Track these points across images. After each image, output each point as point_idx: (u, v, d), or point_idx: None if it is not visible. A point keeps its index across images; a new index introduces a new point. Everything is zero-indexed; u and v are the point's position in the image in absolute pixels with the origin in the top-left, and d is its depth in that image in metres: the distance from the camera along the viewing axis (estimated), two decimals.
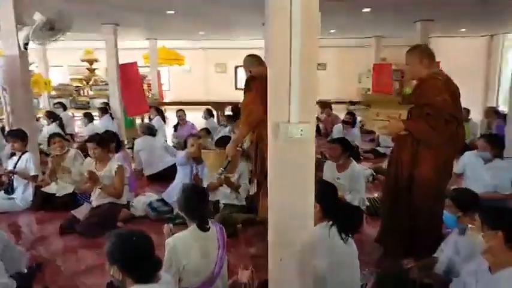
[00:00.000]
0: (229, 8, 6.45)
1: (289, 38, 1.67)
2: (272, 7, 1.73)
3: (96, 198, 4.01)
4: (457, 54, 10.00)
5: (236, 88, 16.53)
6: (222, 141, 4.22)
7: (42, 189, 4.59)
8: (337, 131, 6.76)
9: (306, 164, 1.75)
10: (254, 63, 3.43)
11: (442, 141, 2.95)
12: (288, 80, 1.68)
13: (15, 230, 4.03)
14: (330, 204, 2.29)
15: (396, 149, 3.20)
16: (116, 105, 8.13)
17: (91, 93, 11.21)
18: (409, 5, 6.32)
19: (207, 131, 6.14)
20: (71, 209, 4.23)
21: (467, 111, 7.15)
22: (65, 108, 8.90)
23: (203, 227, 2.34)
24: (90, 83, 11.22)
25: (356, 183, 4.05)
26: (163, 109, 10.04)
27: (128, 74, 8.31)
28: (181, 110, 7.13)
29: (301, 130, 1.68)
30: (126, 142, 8.37)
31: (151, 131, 5.63)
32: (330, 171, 4.22)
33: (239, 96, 15.75)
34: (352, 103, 9.27)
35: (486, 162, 4.02)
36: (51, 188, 4.59)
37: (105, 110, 7.92)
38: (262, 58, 3.71)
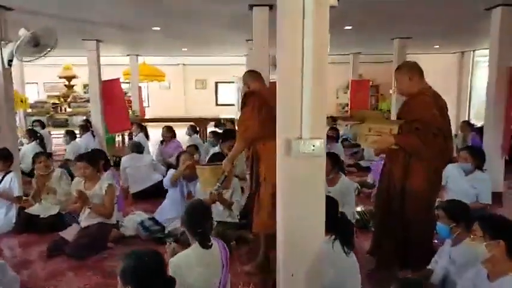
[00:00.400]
0: (213, 26, 6.53)
1: (301, 57, 1.72)
2: (283, 28, 1.79)
3: (86, 219, 3.91)
4: (431, 70, 10.40)
5: (217, 104, 16.58)
6: (216, 158, 4.23)
7: (26, 210, 4.42)
8: None
9: (317, 179, 1.79)
10: (252, 78, 3.43)
11: (432, 154, 3.06)
12: (300, 97, 1.72)
13: None
14: (333, 218, 2.32)
15: (388, 161, 3.29)
16: (98, 122, 7.99)
17: (69, 110, 10.98)
18: (388, 23, 6.57)
19: (195, 148, 6.11)
20: (57, 230, 4.11)
21: None
22: (43, 126, 8.67)
23: (205, 244, 2.33)
24: (69, 100, 11.01)
25: (347, 196, 4.13)
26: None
27: (111, 91, 8.24)
28: (167, 126, 7.07)
29: (313, 146, 1.73)
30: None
31: (138, 149, 5.56)
32: None
33: (220, 112, 15.89)
34: (333, 118, 9.48)
35: (467, 173, 4.19)
36: (35, 209, 4.43)
37: (86, 127, 7.76)
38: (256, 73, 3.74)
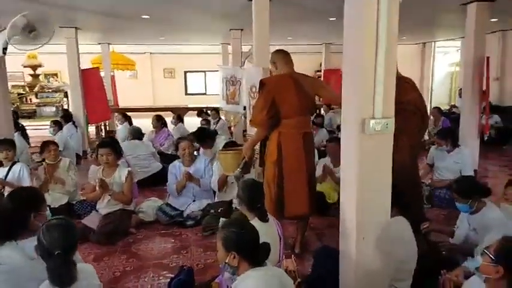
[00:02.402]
0: (203, 14, 6.58)
1: (375, 43, 1.95)
2: (357, 16, 1.99)
3: (106, 206, 3.94)
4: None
5: (186, 93, 16.45)
6: (231, 145, 4.37)
7: None
8: None
9: (386, 152, 2.07)
10: (284, 61, 3.34)
11: (412, 130, 3.40)
12: (373, 80, 1.97)
13: None
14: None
15: None
16: (78, 112, 7.78)
17: (36, 100, 10.51)
18: None
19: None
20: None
21: None
22: (17, 116, 8.27)
23: (264, 218, 2.53)
24: (35, 89, 10.52)
25: None
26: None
27: (90, 80, 8.03)
28: (157, 115, 7.06)
29: (387, 124, 1.99)
30: (88, 151, 8.06)
31: (139, 135, 5.54)
32: None
33: (190, 102, 15.83)
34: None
35: (449, 152, 4.75)
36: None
37: (68, 117, 7.53)
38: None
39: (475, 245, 2.88)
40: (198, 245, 3.72)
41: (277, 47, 4.15)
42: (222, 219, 3.95)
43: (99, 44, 10.65)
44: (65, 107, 11.35)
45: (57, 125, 6.72)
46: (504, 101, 9.34)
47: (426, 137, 7.31)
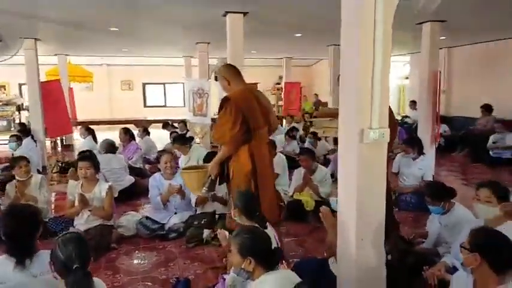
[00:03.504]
0: (174, 28, 6.62)
1: (372, 57, 2.14)
2: (355, 31, 2.17)
3: (86, 222, 3.84)
4: None
5: (145, 106, 16.15)
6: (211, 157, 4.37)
7: None
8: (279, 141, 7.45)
9: (381, 160, 2.25)
10: (234, 75, 3.29)
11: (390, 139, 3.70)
12: (370, 93, 2.15)
13: None
14: None
15: None
16: (38, 126, 7.43)
17: None
18: (328, 31, 7.32)
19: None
20: (42, 238, 3.93)
21: None
22: None
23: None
24: None
25: (323, 181, 4.77)
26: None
27: (50, 92, 7.71)
28: (124, 128, 6.91)
29: (383, 134, 2.18)
30: (48, 166, 7.70)
31: (113, 149, 5.42)
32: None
33: (149, 114, 15.65)
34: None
35: (414, 159, 5.14)
36: None
37: (25, 131, 7.16)
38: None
39: (444, 242, 3.18)
40: (184, 257, 3.72)
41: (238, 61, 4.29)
42: (206, 231, 4.03)
43: (56, 55, 10.26)
44: (17, 120, 10.79)
45: (19, 139, 6.38)
46: (450, 112, 10.16)
47: None
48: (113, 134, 8.07)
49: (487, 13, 5.72)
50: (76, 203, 3.78)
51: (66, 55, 10.47)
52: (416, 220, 4.56)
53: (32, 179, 4.30)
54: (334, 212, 2.91)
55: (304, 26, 6.51)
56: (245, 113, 3.12)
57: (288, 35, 7.21)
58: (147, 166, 7.22)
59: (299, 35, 7.30)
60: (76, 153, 9.81)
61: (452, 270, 2.76)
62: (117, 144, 6.88)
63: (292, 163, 5.48)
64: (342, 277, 2.43)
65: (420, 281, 2.85)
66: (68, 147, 10.52)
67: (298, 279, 2.04)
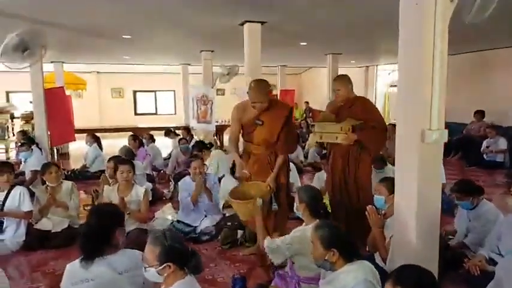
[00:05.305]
0: (183, 36, 6.73)
1: (432, 62, 2.34)
2: (415, 35, 2.38)
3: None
4: None
5: (136, 114, 16.04)
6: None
7: (35, 226, 4.11)
8: None
9: (438, 159, 2.47)
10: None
11: (380, 145, 3.90)
12: (430, 96, 2.36)
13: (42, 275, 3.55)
14: None
15: (339, 157, 3.88)
16: (42, 134, 7.32)
17: None
18: (329, 40, 7.61)
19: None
20: (70, 244, 3.99)
21: None
22: None
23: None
24: None
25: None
26: None
27: (55, 100, 7.63)
28: (133, 135, 6.93)
29: (441, 134, 2.39)
30: None
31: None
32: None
33: (139, 122, 15.58)
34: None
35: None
36: (45, 224, 4.14)
37: (31, 140, 7.07)
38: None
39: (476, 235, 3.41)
40: (222, 258, 3.81)
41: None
42: (239, 231, 4.14)
43: (52, 62, 10.15)
44: (10, 129, 10.56)
45: (29, 148, 6.31)
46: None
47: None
48: (104, 142, 8.14)
49: (477, 24, 6.08)
50: None
51: (62, 62, 10.36)
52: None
53: (63, 185, 4.31)
54: (378, 210, 3.11)
55: (311, 35, 6.76)
56: None
57: (295, 44, 7.45)
58: (154, 173, 7.26)
59: (304, 43, 7.54)
60: (72, 161, 9.84)
61: (490, 261, 3.00)
62: None
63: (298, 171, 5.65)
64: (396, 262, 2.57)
65: (458, 274, 3.08)
66: (63, 155, 10.36)
67: (374, 269, 2.20)
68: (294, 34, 6.51)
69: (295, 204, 2.88)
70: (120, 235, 2.30)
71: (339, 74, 6.45)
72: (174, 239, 2.01)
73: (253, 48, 5.43)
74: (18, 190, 3.98)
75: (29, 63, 4.57)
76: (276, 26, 5.63)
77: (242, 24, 5.47)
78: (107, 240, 2.22)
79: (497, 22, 5.31)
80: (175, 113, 16.10)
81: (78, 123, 12.82)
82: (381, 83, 14.35)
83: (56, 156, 10.23)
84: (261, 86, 3.51)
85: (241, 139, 3.81)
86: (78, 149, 10.05)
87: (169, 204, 5.13)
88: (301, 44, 7.57)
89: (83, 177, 7.24)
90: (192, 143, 8.34)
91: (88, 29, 5.95)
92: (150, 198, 4.22)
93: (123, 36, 6.45)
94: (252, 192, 3.29)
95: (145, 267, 1.99)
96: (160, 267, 1.94)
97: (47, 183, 4.21)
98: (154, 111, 16.35)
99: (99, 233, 2.20)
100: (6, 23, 5.01)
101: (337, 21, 5.60)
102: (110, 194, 3.95)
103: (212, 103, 8.29)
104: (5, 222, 3.92)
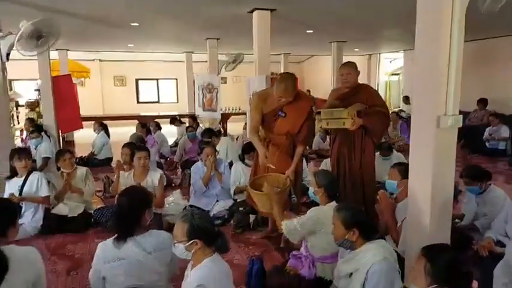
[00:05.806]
0: (191, 24, 6.75)
1: (449, 49, 2.42)
2: (433, 22, 2.45)
3: None
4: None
5: (138, 102, 16.07)
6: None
7: (52, 211, 4.21)
8: None
9: (453, 144, 2.55)
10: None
11: (384, 130, 4.00)
12: (446, 82, 2.44)
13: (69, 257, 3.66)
14: None
15: (346, 142, 3.89)
16: (51, 122, 7.39)
17: None
18: (337, 26, 7.62)
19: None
20: (86, 229, 4.11)
21: None
22: None
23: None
24: None
25: None
26: None
27: (62, 88, 7.68)
28: (141, 123, 7.00)
29: (456, 120, 2.48)
30: None
31: (142, 142, 5.55)
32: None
33: (142, 110, 15.67)
34: None
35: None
36: (61, 209, 4.23)
37: (40, 128, 7.13)
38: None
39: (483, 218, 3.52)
40: (236, 241, 3.92)
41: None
42: (251, 216, 4.25)
43: (57, 50, 10.15)
44: (15, 117, 10.60)
45: (39, 135, 6.38)
46: None
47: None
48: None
49: (478, 14, 6.14)
50: None
51: (67, 50, 10.36)
52: None
53: (78, 171, 4.40)
54: (391, 194, 3.21)
55: (319, 23, 6.79)
56: None
57: (302, 31, 7.48)
58: (162, 160, 7.35)
59: (310, 31, 7.57)
60: (77, 149, 9.91)
61: (498, 243, 3.11)
62: None
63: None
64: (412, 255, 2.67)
65: (466, 255, 3.20)
66: (69, 143, 10.42)
67: (392, 249, 2.31)
68: (301, 22, 6.54)
69: (310, 188, 2.96)
70: (148, 216, 2.39)
71: (343, 62, 6.51)
72: (202, 217, 2.10)
73: (262, 36, 5.47)
74: (35, 175, 4.07)
75: (39, 51, 4.60)
76: (285, 14, 5.66)
77: (251, 11, 5.50)
78: (137, 220, 2.31)
79: (501, 10, 5.36)
80: (177, 101, 16.13)
81: (81, 111, 12.90)
82: (383, 71, 14.41)
83: (61, 144, 10.35)
84: (291, 83, 3.45)
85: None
86: (83, 137, 10.13)
87: (179, 190, 5.24)
88: (308, 31, 7.59)
89: (91, 164, 7.31)
90: (198, 131, 8.44)
91: (100, 17, 5.97)
92: (165, 184, 4.30)
93: (131, 24, 6.47)
94: (273, 184, 3.30)
95: (174, 243, 2.08)
96: (188, 243, 2.02)
97: (61, 169, 4.30)
98: (156, 100, 16.38)
99: (130, 214, 2.29)
100: (22, 11, 5.05)
101: (345, 9, 5.64)
102: (126, 180, 4.04)
103: (217, 91, 8.35)
104: (23, 207, 4.01)
